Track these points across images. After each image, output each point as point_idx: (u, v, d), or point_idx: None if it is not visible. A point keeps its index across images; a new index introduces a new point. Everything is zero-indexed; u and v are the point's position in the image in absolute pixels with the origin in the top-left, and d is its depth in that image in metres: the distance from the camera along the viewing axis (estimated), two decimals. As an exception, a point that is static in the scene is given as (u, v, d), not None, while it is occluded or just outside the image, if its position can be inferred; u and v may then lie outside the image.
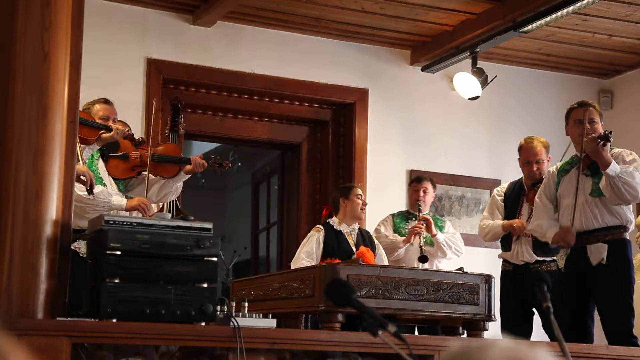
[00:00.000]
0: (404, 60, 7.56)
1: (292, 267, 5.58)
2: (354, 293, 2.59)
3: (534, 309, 5.60)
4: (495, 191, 6.06)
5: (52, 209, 3.48)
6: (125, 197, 5.08)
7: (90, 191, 4.57)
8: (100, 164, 5.12)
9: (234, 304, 3.72)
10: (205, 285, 3.65)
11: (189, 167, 5.29)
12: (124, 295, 3.50)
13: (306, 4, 6.62)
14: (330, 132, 7.54)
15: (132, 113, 6.24)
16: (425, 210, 6.41)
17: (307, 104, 7.43)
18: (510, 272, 5.70)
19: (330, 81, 7.30)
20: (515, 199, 5.80)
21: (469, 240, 6.86)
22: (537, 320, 5.60)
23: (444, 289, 4.44)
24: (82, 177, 4.46)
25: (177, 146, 5.62)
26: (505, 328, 5.48)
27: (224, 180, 11.42)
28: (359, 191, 5.93)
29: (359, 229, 5.92)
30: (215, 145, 9.72)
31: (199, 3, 6.69)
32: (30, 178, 3.45)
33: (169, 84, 6.88)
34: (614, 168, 4.84)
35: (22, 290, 3.39)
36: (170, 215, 4.12)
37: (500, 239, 5.82)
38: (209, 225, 3.72)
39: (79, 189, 4.50)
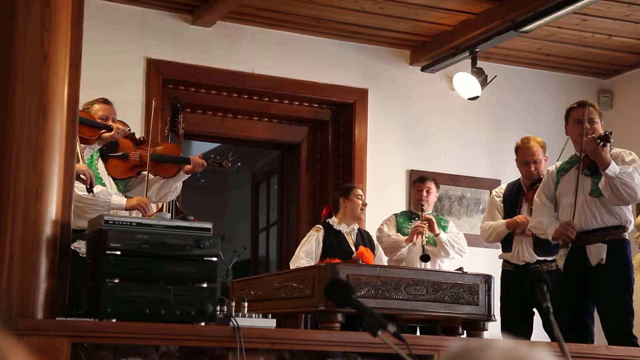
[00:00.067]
0: (403, 60, 7.56)
1: (291, 267, 5.59)
2: (354, 293, 2.60)
3: (534, 309, 5.59)
4: (493, 192, 6.05)
5: (52, 209, 3.48)
6: (125, 197, 5.08)
7: (90, 190, 4.57)
8: (100, 164, 5.12)
9: (233, 304, 3.72)
10: (205, 285, 3.65)
11: (188, 166, 5.29)
12: (123, 295, 3.50)
13: (306, 4, 6.62)
14: (330, 132, 7.53)
15: (131, 113, 6.24)
16: (429, 210, 6.42)
17: (306, 104, 7.43)
18: (510, 272, 5.70)
19: (330, 81, 7.30)
20: (514, 200, 5.80)
21: (468, 240, 6.83)
22: (537, 320, 5.60)
23: (443, 289, 4.44)
24: (81, 175, 4.46)
25: (176, 146, 5.62)
26: (506, 328, 5.48)
27: (223, 180, 11.41)
28: (359, 191, 5.94)
29: (359, 229, 5.93)
30: (215, 145, 9.71)
31: (198, 3, 6.68)
32: (30, 178, 3.45)
33: (168, 84, 6.87)
34: (613, 169, 4.84)
35: (22, 290, 3.39)
36: (169, 215, 4.12)
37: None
38: (209, 225, 3.72)
39: (79, 189, 4.50)
